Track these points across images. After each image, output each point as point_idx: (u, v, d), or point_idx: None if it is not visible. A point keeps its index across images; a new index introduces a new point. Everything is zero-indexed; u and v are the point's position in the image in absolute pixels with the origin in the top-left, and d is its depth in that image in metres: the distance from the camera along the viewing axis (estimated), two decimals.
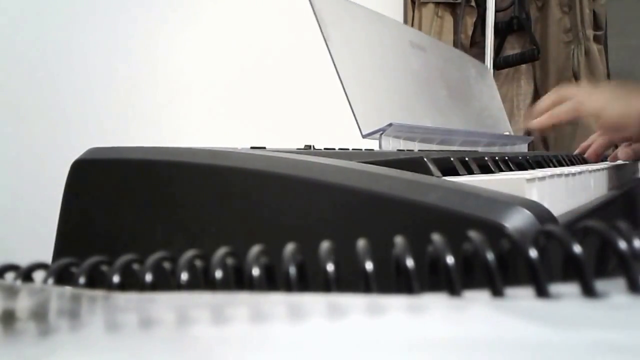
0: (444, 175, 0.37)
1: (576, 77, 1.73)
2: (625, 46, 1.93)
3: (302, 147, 0.48)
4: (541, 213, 0.25)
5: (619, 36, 1.88)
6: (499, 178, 0.32)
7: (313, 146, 0.49)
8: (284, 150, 0.38)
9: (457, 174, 0.39)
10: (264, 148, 0.40)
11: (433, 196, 0.25)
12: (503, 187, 0.28)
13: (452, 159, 0.40)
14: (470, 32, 1.81)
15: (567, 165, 0.68)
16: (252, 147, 0.40)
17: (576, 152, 0.80)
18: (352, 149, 0.51)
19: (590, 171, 0.47)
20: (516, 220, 0.23)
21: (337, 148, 0.50)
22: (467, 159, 0.42)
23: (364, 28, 0.72)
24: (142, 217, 0.35)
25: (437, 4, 1.79)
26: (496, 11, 1.76)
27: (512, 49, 1.82)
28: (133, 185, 0.35)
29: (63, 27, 0.81)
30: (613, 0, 1.82)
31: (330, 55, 0.60)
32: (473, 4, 1.81)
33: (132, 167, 0.35)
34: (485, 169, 0.44)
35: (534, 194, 0.31)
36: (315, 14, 0.61)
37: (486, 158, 0.45)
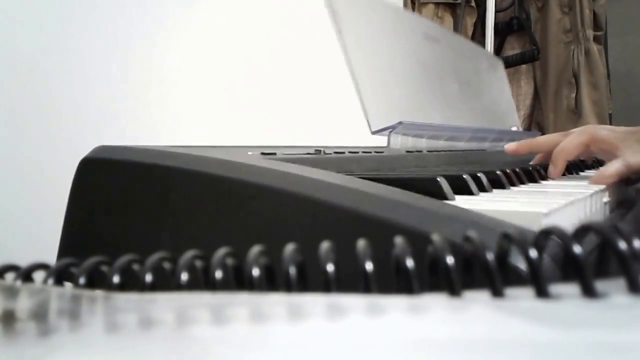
0: (456, 192, 0.37)
1: (576, 78, 1.73)
2: (625, 46, 1.93)
3: (312, 151, 0.48)
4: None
5: (618, 36, 1.88)
6: (517, 210, 0.32)
7: (323, 150, 0.48)
8: (294, 158, 0.38)
9: (469, 191, 0.39)
10: (274, 154, 0.40)
11: (447, 230, 0.25)
12: (520, 219, 0.28)
13: (464, 176, 0.39)
14: (470, 33, 1.81)
15: (576, 172, 0.67)
16: (262, 153, 0.40)
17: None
18: (362, 152, 0.51)
19: (602, 190, 0.47)
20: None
21: (347, 152, 0.50)
22: (478, 174, 0.42)
23: (377, 20, 0.72)
24: (148, 218, 0.35)
25: (437, 4, 1.79)
26: (496, 11, 1.76)
27: (512, 49, 1.83)
28: (140, 185, 0.35)
29: (60, 27, 0.81)
30: (613, 1, 1.83)
31: (344, 50, 0.60)
32: (473, 4, 1.81)
33: (140, 167, 0.35)
34: (494, 184, 0.44)
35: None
36: (329, 6, 0.61)
37: (497, 172, 0.45)
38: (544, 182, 0.54)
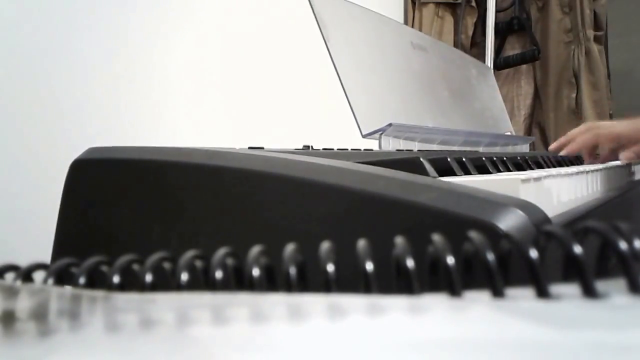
0: (441, 175, 0.37)
1: (576, 78, 1.73)
2: (625, 46, 1.93)
3: (301, 147, 0.48)
4: (535, 214, 0.25)
5: (619, 36, 1.88)
6: (494, 178, 0.32)
7: (311, 146, 0.48)
8: (282, 150, 0.38)
9: (454, 174, 0.39)
10: (262, 148, 0.40)
11: (426, 196, 0.25)
12: (498, 187, 0.28)
13: (448, 159, 0.40)
14: (470, 33, 1.81)
15: (567, 165, 0.68)
16: (250, 147, 0.40)
17: (552, 146, 0.78)
18: (351, 149, 0.51)
19: (587, 172, 0.47)
20: (509, 221, 0.23)
21: (336, 148, 0.50)
22: (464, 159, 0.42)
23: (364, 29, 0.72)
24: (141, 217, 0.35)
25: (438, 4, 1.79)
26: (496, 11, 1.76)
27: (513, 49, 1.83)
28: (132, 185, 0.35)
29: (61, 27, 0.81)
30: (613, 1, 1.82)
31: (330, 56, 0.60)
32: (473, 4, 1.81)
33: (132, 167, 0.35)
34: (482, 169, 0.44)
35: (528, 195, 0.31)
36: (315, 15, 0.61)
37: (483, 158, 0.45)
38: (528, 171, 0.54)
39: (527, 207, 0.25)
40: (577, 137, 0.73)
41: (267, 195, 0.30)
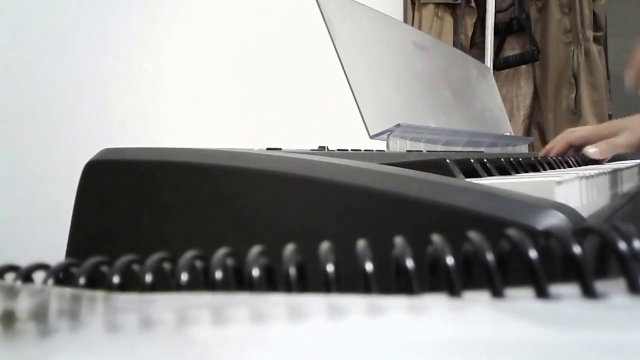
0: (466, 177, 0.36)
1: (576, 78, 1.73)
2: (625, 47, 1.93)
3: (316, 148, 0.48)
4: (573, 216, 0.24)
5: (618, 37, 1.88)
6: (529, 181, 0.32)
7: (327, 147, 0.48)
8: (300, 151, 0.37)
9: (477, 175, 0.39)
10: (280, 149, 0.40)
11: (465, 199, 0.24)
12: (533, 189, 0.28)
13: (471, 160, 0.39)
14: (470, 33, 1.81)
15: (576, 165, 0.68)
16: (268, 149, 0.39)
17: (540, 153, 0.84)
18: (364, 150, 0.51)
19: (605, 173, 0.47)
20: (551, 224, 0.23)
21: (349, 149, 0.50)
22: (485, 160, 0.42)
23: (369, 28, 0.72)
24: (157, 218, 0.34)
25: (437, 4, 1.79)
26: (496, 12, 1.77)
27: (512, 49, 1.83)
28: (148, 186, 0.34)
29: (58, 28, 0.81)
30: (613, 1, 1.83)
31: (338, 55, 0.60)
32: (473, 4, 1.81)
33: (147, 168, 0.34)
34: (502, 171, 0.44)
35: (562, 197, 0.30)
36: (322, 13, 0.61)
37: (502, 160, 0.45)
38: (546, 172, 0.54)
39: (565, 209, 0.24)
40: (557, 142, 0.84)
41: (292, 198, 0.29)
